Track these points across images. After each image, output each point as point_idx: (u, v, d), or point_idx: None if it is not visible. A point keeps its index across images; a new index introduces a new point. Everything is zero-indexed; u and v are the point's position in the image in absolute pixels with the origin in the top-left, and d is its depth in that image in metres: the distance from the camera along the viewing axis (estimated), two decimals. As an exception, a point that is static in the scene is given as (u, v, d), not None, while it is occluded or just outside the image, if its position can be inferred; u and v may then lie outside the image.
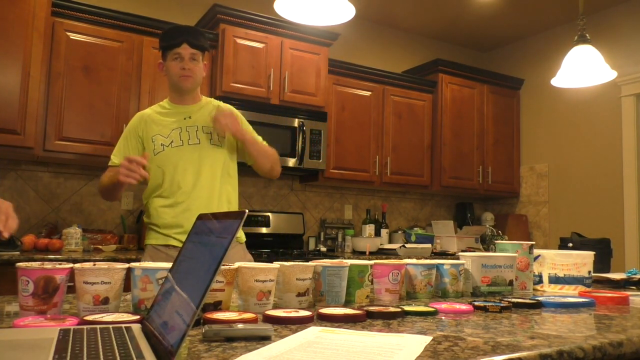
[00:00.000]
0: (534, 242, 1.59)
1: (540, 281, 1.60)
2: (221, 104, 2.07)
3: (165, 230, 1.89)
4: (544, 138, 4.57)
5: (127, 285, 1.01)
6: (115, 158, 1.96)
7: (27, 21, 2.78)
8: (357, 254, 3.79)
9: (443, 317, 1.04)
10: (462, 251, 3.86)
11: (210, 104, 2.03)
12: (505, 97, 4.69)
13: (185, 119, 1.95)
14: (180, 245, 1.84)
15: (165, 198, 1.90)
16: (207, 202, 1.89)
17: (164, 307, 0.71)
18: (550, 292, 1.53)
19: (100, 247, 3.03)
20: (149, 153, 1.89)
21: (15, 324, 0.80)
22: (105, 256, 2.71)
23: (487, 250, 4.11)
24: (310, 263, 1.15)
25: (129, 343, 0.67)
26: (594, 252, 1.60)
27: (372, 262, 1.25)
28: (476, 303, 1.15)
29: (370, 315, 1.01)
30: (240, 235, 2.04)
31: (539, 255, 1.60)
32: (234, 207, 2.02)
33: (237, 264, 1.07)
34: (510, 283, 1.42)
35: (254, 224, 3.67)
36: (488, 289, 1.39)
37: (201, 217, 0.84)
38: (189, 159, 1.90)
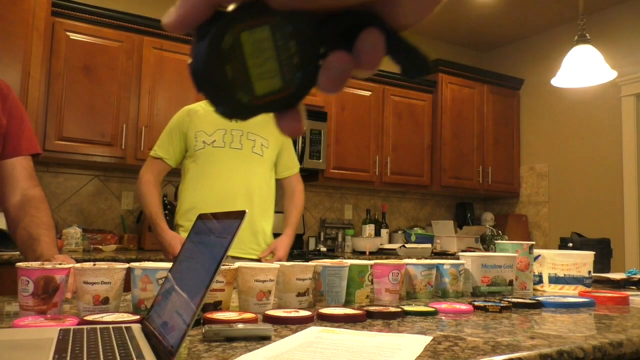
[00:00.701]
0: (534, 242, 1.59)
1: (540, 281, 1.60)
2: None
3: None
4: (544, 138, 4.57)
5: (127, 285, 1.01)
6: (158, 149, 1.95)
7: (27, 21, 2.78)
8: (357, 254, 3.79)
9: (443, 317, 1.04)
10: (462, 251, 3.86)
11: None
12: (505, 97, 4.69)
13: (231, 120, 1.94)
14: None
15: (197, 196, 1.88)
16: (238, 206, 1.87)
17: (164, 307, 0.71)
18: (550, 292, 1.53)
19: (100, 247, 3.03)
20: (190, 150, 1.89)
21: (15, 324, 0.80)
22: (105, 256, 2.71)
23: (487, 250, 4.11)
24: (310, 263, 1.15)
25: (129, 343, 0.67)
26: (594, 252, 1.60)
27: (372, 262, 1.25)
28: (476, 303, 1.15)
29: (370, 315, 1.01)
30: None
31: (539, 255, 1.60)
32: (267, 219, 1.99)
33: (237, 264, 1.07)
34: (510, 283, 1.42)
35: (254, 224, 3.66)
36: (488, 289, 1.39)
37: (201, 217, 0.83)
38: (227, 162, 1.88)
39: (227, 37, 0.30)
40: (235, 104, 0.33)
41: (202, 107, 1.97)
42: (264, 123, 1.99)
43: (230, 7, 0.30)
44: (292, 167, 2.12)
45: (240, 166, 1.90)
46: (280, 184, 2.11)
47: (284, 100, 0.32)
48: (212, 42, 0.30)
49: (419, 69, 0.33)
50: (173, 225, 2.00)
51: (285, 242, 1.99)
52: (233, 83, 0.31)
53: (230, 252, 1.83)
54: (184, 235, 1.89)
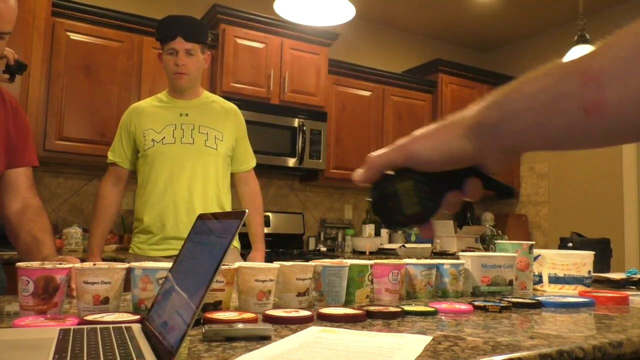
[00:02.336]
0: (534, 242, 1.59)
1: (540, 281, 1.60)
2: (224, 101, 2.00)
3: (148, 236, 1.85)
4: (544, 138, 4.57)
5: (127, 285, 1.01)
6: (111, 155, 1.93)
7: (27, 21, 2.78)
8: (357, 253, 3.79)
9: (443, 317, 1.04)
10: (462, 251, 3.86)
11: (211, 102, 1.95)
12: (505, 97, 4.69)
13: (181, 115, 1.87)
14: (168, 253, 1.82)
15: (149, 199, 1.84)
16: (194, 207, 1.82)
17: (164, 307, 0.71)
18: (550, 292, 1.53)
19: (100, 247, 3.03)
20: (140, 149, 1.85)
21: (15, 324, 0.80)
22: (106, 256, 2.71)
23: (487, 250, 4.11)
24: (310, 263, 1.15)
25: (129, 343, 0.67)
26: (594, 252, 1.60)
27: (372, 262, 1.25)
28: (476, 303, 1.15)
29: (370, 315, 1.01)
30: (236, 242, 1.99)
31: (539, 255, 1.60)
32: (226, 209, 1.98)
33: (237, 264, 1.07)
34: (510, 283, 1.42)
35: (254, 224, 3.66)
36: (488, 288, 1.39)
37: (201, 217, 0.83)
38: (179, 159, 1.82)
39: (390, 187, 0.58)
40: (393, 221, 0.59)
41: (149, 103, 1.91)
42: (217, 116, 1.92)
43: (391, 172, 0.57)
44: (248, 161, 2.04)
45: (193, 162, 1.83)
46: (232, 181, 2.03)
47: (422, 218, 0.58)
48: (382, 190, 0.58)
49: (506, 194, 0.61)
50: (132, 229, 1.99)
51: (259, 259, 1.95)
52: (393, 210, 0.58)
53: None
54: (140, 241, 1.87)
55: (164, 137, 1.84)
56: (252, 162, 2.07)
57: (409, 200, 0.57)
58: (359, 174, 0.57)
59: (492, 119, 0.50)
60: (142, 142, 1.85)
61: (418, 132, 0.56)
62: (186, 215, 1.81)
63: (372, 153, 0.58)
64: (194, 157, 1.85)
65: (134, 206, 1.96)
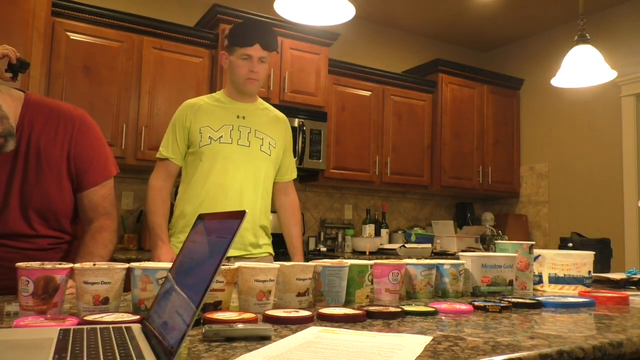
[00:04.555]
0: (534, 242, 1.59)
1: (540, 281, 1.60)
2: (275, 110, 2.02)
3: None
4: (544, 138, 4.57)
5: (127, 285, 1.01)
6: (164, 150, 1.88)
7: (27, 21, 2.78)
8: (357, 254, 3.79)
9: (443, 317, 1.04)
10: (462, 251, 3.86)
11: (266, 110, 1.97)
12: (505, 97, 4.69)
13: (238, 117, 1.87)
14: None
15: (198, 196, 1.82)
16: (245, 205, 1.83)
17: (164, 307, 0.71)
18: (550, 292, 1.53)
19: (100, 247, 3.02)
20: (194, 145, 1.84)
21: (15, 324, 0.80)
22: (105, 256, 2.71)
23: (487, 250, 4.11)
24: (310, 263, 1.15)
25: (129, 343, 0.67)
26: (594, 252, 1.60)
27: (372, 262, 1.25)
28: (476, 303, 1.15)
29: (370, 315, 1.01)
30: (270, 248, 2.01)
31: (539, 255, 1.60)
32: (267, 217, 1.98)
33: (237, 264, 1.07)
34: (510, 283, 1.42)
35: (254, 224, 3.66)
36: (488, 289, 1.39)
37: (201, 217, 0.83)
38: (234, 160, 1.83)
39: None
40: None
41: (205, 102, 1.91)
42: (271, 123, 1.95)
43: None
44: (292, 171, 2.08)
45: (247, 164, 1.85)
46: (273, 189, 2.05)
47: None
48: None
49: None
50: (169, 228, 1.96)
51: None
52: None
53: (232, 253, 1.82)
54: (179, 240, 1.85)
55: (221, 136, 1.83)
56: (294, 173, 2.09)
57: None
58: None
59: None
60: (197, 138, 1.83)
61: None
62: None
63: None
64: (248, 159, 1.86)
65: (176, 203, 1.92)
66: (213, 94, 1.96)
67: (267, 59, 1.87)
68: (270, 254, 2.00)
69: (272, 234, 2.07)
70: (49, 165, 1.38)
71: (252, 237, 1.88)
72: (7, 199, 1.34)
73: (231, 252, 1.81)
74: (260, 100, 2.00)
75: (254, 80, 1.85)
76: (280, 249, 2.30)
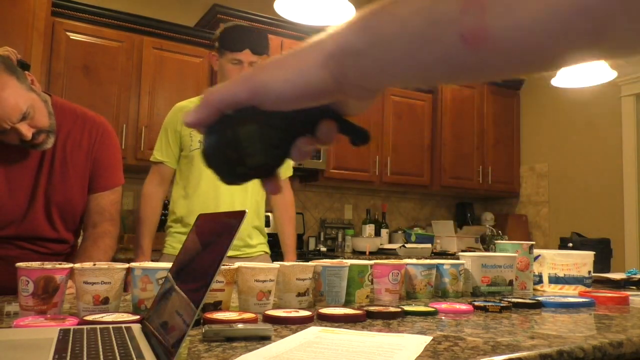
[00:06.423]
0: (534, 242, 1.59)
1: (540, 281, 1.60)
2: None
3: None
4: (544, 138, 4.57)
5: (127, 285, 1.01)
6: (158, 154, 1.90)
7: (27, 21, 2.78)
8: (357, 254, 3.79)
9: (443, 317, 1.04)
10: (462, 251, 3.86)
11: None
12: (505, 97, 4.70)
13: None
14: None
15: (190, 200, 1.85)
16: (234, 209, 1.84)
17: (164, 307, 0.71)
18: (550, 292, 1.53)
19: (100, 247, 3.02)
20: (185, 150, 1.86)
21: (15, 324, 0.80)
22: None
23: (487, 250, 4.11)
24: (310, 263, 1.15)
25: (129, 343, 0.67)
26: (594, 252, 1.60)
27: (372, 262, 1.25)
28: (476, 303, 1.15)
29: (370, 315, 1.01)
30: (266, 247, 2.03)
31: (539, 255, 1.60)
32: (261, 218, 1.99)
33: (237, 264, 1.07)
34: (510, 283, 1.42)
35: (254, 224, 3.66)
36: (488, 289, 1.39)
37: (201, 217, 0.83)
38: None
39: (229, 131, 0.45)
40: (234, 175, 0.48)
41: (194, 104, 1.90)
42: None
43: (230, 112, 0.45)
44: (286, 169, 2.08)
45: None
46: None
47: (267, 170, 0.48)
48: (219, 135, 0.46)
49: (362, 140, 0.48)
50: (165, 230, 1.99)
51: None
52: (233, 161, 0.46)
53: (233, 252, 1.83)
54: (177, 241, 1.87)
55: None
56: (289, 171, 2.10)
57: (253, 148, 0.46)
58: (190, 114, 0.46)
59: (357, 44, 0.40)
60: (188, 142, 1.85)
61: (268, 60, 0.45)
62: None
63: (211, 88, 0.46)
64: None
65: (170, 206, 1.95)
66: (202, 97, 1.97)
67: (258, 63, 1.87)
68: (266, 253, 2.01)
69: (273, 234, 2.08)
70: (74, 167, 1.41)
71: (247, 237, 1.90)
72: (34, 199, 1.37)
73: (230, 253, 1.82)
74: None
75: None
76: (279, 249, 2.31)
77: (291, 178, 2.14)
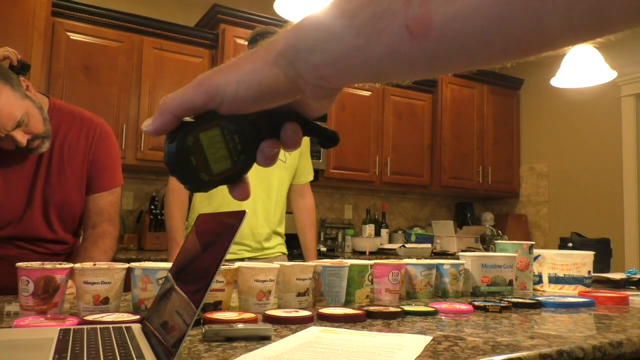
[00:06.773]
0: (533, 242, 1.59)
1: (540, 281, 1.60)
2: None
3: None
4: (544, 138, 4.57)
5: (127, 285, 1.01)
6: None
7: (27, 21, 2.78)
8: (357, 254, 3.79)
9: (443, 317, 1.04)
10: (462, 251, 3.86)
11: None
12: (505, 97, 4.69)
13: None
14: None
15: (213, 204, 1.86)
16: (256, 214, 1.86)
17: (164, 307, 0.71)
18: (550, 292, 1.53)
19: (100, 247, 3.02)
20: None
21: (16, 324, 0.80)
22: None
23: (487, 250, 4.11)
24: (310, 263, 1.15)
25: (129, 343, 0.67)
26: (594, 252, 1.60)
27: (372, 262, 1.25)
28: (476, 303, 1.15)
29: (370, 315, 1.01)
30: (284, 248, 2.04)
31: (538, 255, 1.60)
32: (282, 223, 2.00)
33: (237, 264, 1.07)
34: (510, 283, 1.42)
35: (254, 224, 3.66)
36: (488, 289, 1.39)
37: (201, 217, 0.83)
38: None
39: (190, 137, 0.44)
40: (199, 182, 0.46)
41: None
42: None
43: (190, 118, 0.44)
44: (308, 174, 2.10)
45: (260, 171, 1.85)
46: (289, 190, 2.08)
47: (234, 175, 0.47)
48: (180, 142, 0.44)
49: (330, 141, 0.48)
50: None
51: None
52: (197, 168, 0.45)
53: (247, 254, 1.85)
54: None
55: None
56: (311, 175, 2.11)
57: (216, 153, 0.45)
58: (148, 122, 0.44)
59: (307, 40, 0.41)
60: None
61: (223, 64, 0.45)
62: (246, 222, 1.84)
63: (168, 95, 0.45)
64: (261, 168, 1.87)
65: (192, 205, 1.96)
66: None
67: None
68: (284, 254, 2.03)
69: (285, 234, 2.10)
70: (71, 169, 1.42)
71: (264, 241, 1.93)
72: (31, 199, 1.37)
73: (246, 254, 1.85)
74: None
75: None
76: (295, 250, 2.32)
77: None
